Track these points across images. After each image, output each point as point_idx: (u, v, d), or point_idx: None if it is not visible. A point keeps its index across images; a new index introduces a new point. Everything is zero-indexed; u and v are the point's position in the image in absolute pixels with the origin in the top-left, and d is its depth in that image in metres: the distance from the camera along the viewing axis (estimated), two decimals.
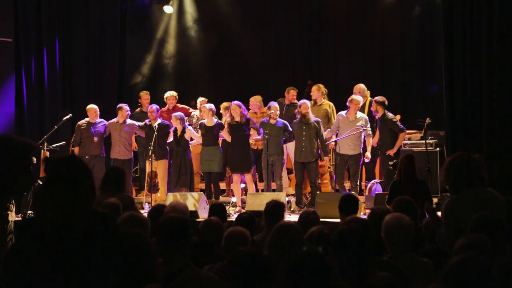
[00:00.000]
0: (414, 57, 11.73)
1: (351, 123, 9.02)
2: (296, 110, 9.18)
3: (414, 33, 11.49)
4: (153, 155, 9.27)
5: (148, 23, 12.25)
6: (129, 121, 9.83)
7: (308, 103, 9.16)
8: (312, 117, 9.06)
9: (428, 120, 9.07)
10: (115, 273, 2.68)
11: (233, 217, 7.48)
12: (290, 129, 9.12)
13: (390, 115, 9.10)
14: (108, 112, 10.21)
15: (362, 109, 9.52)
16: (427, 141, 9.15)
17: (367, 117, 9.16)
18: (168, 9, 12.12)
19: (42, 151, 9.60)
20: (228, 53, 12.32)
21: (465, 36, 8.46)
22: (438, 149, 9.57)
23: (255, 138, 9.51)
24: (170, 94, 10.53)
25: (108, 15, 11.85)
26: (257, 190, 9.45)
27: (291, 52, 12.36)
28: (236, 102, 9.22)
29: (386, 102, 9.17)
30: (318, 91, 9.86)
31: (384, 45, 11.88)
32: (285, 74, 12.24)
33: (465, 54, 8.47)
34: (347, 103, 9.10)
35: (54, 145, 9.74)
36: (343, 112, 9.17)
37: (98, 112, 9.84)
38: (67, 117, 10.16)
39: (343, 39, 12.11)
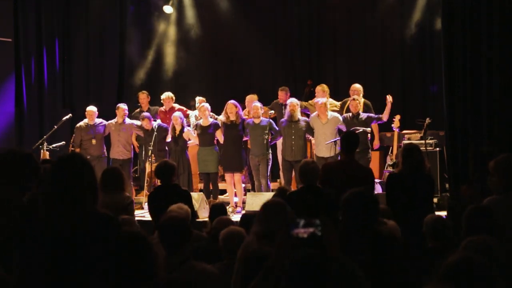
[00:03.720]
0: (414, 57, 11.72)
1: (325, 125, 8.92)
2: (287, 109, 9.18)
3: (414, 33, 11.48)
4: (152, 155, 9.28)
5: (148, 23, 12.25)
6: (128, 120, 9.83)
7: (296, 101, 9.11)
8: (300, 116, 9.02)
9: (428, 120, 9.06)
10: (115, 273, 2.68)
11: (233, 218, 7.50)
12: (276, 127, 9.12)
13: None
14: (108, 112, 10.21)
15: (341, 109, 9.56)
16: (427, 141, 9.15)
17: (339, 116, 9.07)
18: (168, 9, 12.12)
19: (42, 151, 9.60)
20: (228, 53, 12.32)
21: (465, 36, 8.44)
22: (438, 149, 9.56)
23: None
24: (166, 96, 10.40)
25: (108, 15, 11.86)
26: (245, 191, 9.47)
27: (291, 52, 12.35)
28: (232, 101, 9.21)
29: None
30: (322, 91, 9.81)
31: (384, 45, 11.87)
32: (285, 74, 12.23)
33: (465, 54, 8.46)
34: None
35: (54, 145, 9.75)
36: (314, 115, 9.10)
37: (97, 113, 9.83)
38: (67, 117, 10.18)
39: (343, 39, 12.10)
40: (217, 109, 10.04)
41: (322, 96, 9.70)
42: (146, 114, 9.73)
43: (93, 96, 11.77)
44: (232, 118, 9.06)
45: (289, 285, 2.47)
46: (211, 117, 9.46)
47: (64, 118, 10.12)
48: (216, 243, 4.08)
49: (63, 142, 9.92)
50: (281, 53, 12.35)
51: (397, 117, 9.44)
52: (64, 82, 11.60)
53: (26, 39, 11.00)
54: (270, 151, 9.04)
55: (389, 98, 8.97)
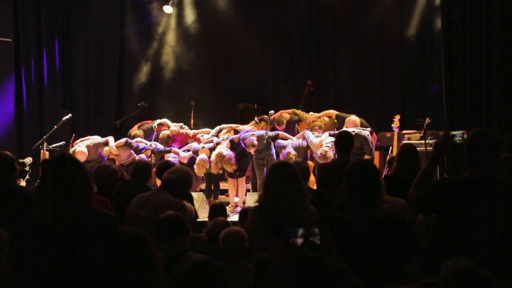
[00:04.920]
0: (414, 57, 11.71)
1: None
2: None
3: (414, 33, 11.47)
4: (152, 155, 9.28)
5: (148, 23, 12.25)
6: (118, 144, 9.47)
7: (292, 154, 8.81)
8: (294, 153, 8.93)
9: (427, 120, 9.06)
10: (115, 273, 2.68)
11: (233, 218, 7.52)
12: (272, 133, 9.13)
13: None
14: (107, 113, 10.20)
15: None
16: (427, 141, 9.14)
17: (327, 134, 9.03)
18: (168, 9, 12.11)
19: (42, 151, 9.60)
20: (228, 53, 12.31)
21: (465, 36, 8.46)
22: None
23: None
24: (167, 134, 9.77)
25: (108, 15, 11.86)
26: (248, 190, 9.47)
27: (291, 52, 12.34)
28: (219, 162, 8.82)
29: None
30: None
31: (384, 45, 11.86)
32: (285, 74, 12.22)
33: (465, 54, 8.48)
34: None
35: (54, 145, 9.74)
36: (314, 139, 8.99)
37: (87, 153, 9.20)
38: (67, 117, 10.17)
39: (343, 39, 12.09)
40: (217, 108, 10.04)
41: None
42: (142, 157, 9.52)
43: (93, 96, 11.77)
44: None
45: (289, 285, 2.47)
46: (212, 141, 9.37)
47: (64, 118, 10.11)
48: (215, 244, 4.10)
49: (63, 142, 9.91)
50: (281, 53, 12.35)
51: (397, 117, 9.43)
52: (64, 82, 11.60)
53: (26, 39, 11.00)
54: (274, 150, 9.08)
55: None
